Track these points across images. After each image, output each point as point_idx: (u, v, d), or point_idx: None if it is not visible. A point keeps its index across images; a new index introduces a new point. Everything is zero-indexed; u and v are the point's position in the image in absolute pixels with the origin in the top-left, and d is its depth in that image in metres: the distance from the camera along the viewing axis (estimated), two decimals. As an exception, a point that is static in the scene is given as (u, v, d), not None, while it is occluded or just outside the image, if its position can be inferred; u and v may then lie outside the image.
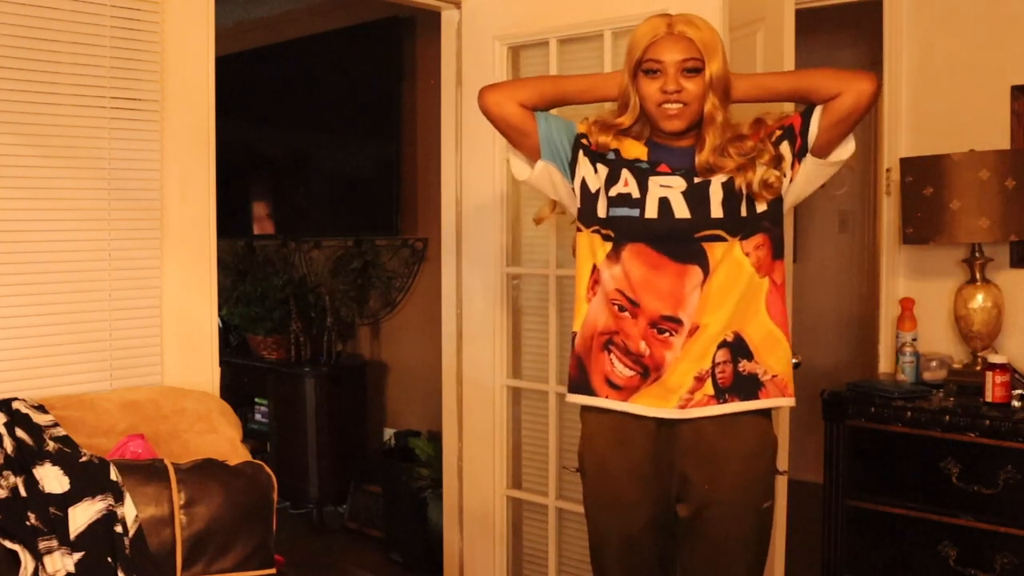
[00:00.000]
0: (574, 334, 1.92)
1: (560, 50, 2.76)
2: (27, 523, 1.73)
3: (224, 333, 4.50)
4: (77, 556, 1.76)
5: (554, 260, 2.80)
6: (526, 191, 2.94)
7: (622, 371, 1.83)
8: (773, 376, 1.83)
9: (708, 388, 1.79)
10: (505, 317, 2.94)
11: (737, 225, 1.78)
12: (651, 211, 1.79)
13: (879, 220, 3.16)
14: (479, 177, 2.96)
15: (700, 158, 1.79)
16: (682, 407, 1.80)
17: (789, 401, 1.86)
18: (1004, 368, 2.49)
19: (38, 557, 1.72)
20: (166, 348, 2.39)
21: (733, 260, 1.78)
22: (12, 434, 1.86)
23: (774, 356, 1.83)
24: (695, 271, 1.78)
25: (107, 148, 2.26)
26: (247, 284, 4.71)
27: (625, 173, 1.84)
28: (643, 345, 1.80)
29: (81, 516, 1.80)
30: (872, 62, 3.45)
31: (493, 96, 1.88)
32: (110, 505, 1.83)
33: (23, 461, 1.82)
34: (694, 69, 1.75)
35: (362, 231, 4.52)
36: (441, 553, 3.23)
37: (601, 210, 1.84)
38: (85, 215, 2.24)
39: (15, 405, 1.96)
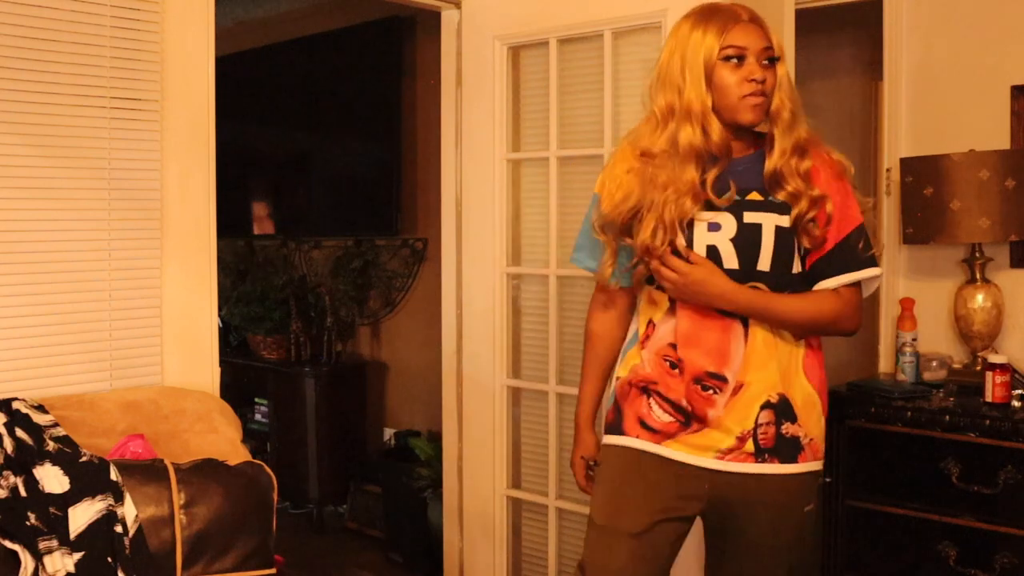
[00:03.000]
0: (617, 379, 1.88)
1: (560, 50, 2.76)
2: (27, 523, 1.73)
3: (224, 333, 4.50)
4: (77, 556, 1.76)
5: (554, 260, 2.80)
6: (526, 191, 2.94)
7: (660, 415, 1.78)
8: (811, 439, 1.79)
9: (748, 447, 1.74)
10: (505, 317, 2.94)
11: (783, 282, 1.74)
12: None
13: (879, 220, 3.15)
14: (479, 177, 2.96)
15: (769, 164, 1.71)
16: (719, 458, 1.75)
17: (819, 465, 1.83)
18: (1004, 368, 2.49)
19: (38, 557, 1.72)
20: (166, 348, 2.39)
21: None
22: (12, 434, 1.86)
23: (813, 419, 1.79)
24: (736, 326, 1.73)
25: (107, 148, 2.26)
26: (247, 284, 4.71)
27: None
28: (685, 402, 1.76)
29: (81, 516, 1.80)
30: (872, 62, 3.45)
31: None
32: (110, 505, 1.83)
33: (23, 461, 1.82)
34: (772, 59, 1.69)
35: (362, 231, 4.52)
36: (441, 553, 3.23)
37: None
38: (85, 215, 2.24)
39: (15, 405, 1.96)
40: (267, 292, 4.56)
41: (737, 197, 1.72)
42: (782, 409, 1.74)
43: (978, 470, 2.41)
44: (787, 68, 1.72)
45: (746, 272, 1.72)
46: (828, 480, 2.71)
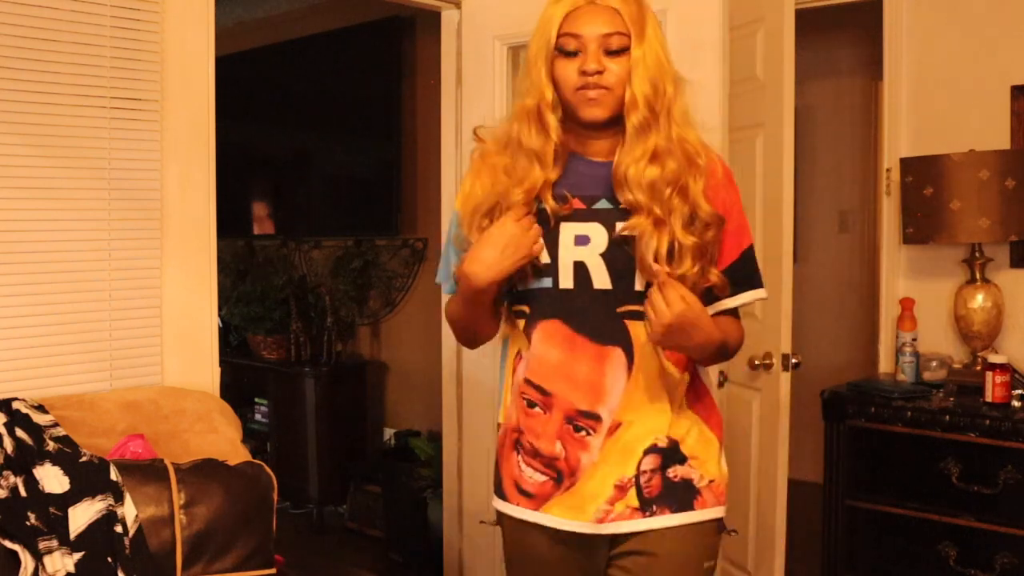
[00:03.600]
0: (498, 426, 1.63)
1: (560, 50, 2.75)
2: (27, 523, 1.73)
3: (224, 333, 4.50)
4: (77, 556, 1.76)
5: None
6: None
7: (531, 475, 1.53)
8: (710, 481, 1.53)
9: (631, 499, 1.49)
10: (505, 317, 2.93)
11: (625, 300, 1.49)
12: (566, 280, 1.48)
13: (879, 220, 3.16)
14: (479, 177, 2.95)
15: (617, 165, 1.46)
16: (600, 520, 1.49)
17: (721, 511, 1.55)
18: (1004, 368, 2.49)
19: (38, 557, 1.72)
20: (166, 348, 2.39)
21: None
22: (12, 434, 1.86)
23: (709, 457, 1.54)
24: (617, 355, 1.47)
25: (107, 148, 2.26)
26: (247, 284, 4.71)
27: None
28: (558, 446, 1.50)
29: (81, 516, 1.80)
30: (872, 62, 3.45)
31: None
32: (110, 505, 1.83)
33: (23, 461, 1.82)
34: (620, 49, 1.44)
35: (362, 231, 4.52)
36: (441, 553, 3.23)
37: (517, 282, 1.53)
38: (85, 215, 2.24)
39: (15, 405, 1.95)
40: (267, 292, 4.56)
41: (605, 205, 1.49)
42: (670, 452, 1.50)
43: (978, 470, 2.41)
44: (658, 54, 1.45)
45: (621, 292, 1.47)
46: (827, 480, 2.71)
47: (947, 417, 2.47)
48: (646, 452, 1.49)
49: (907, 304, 2.86)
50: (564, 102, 1.47)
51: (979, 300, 2.77)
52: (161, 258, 2.37)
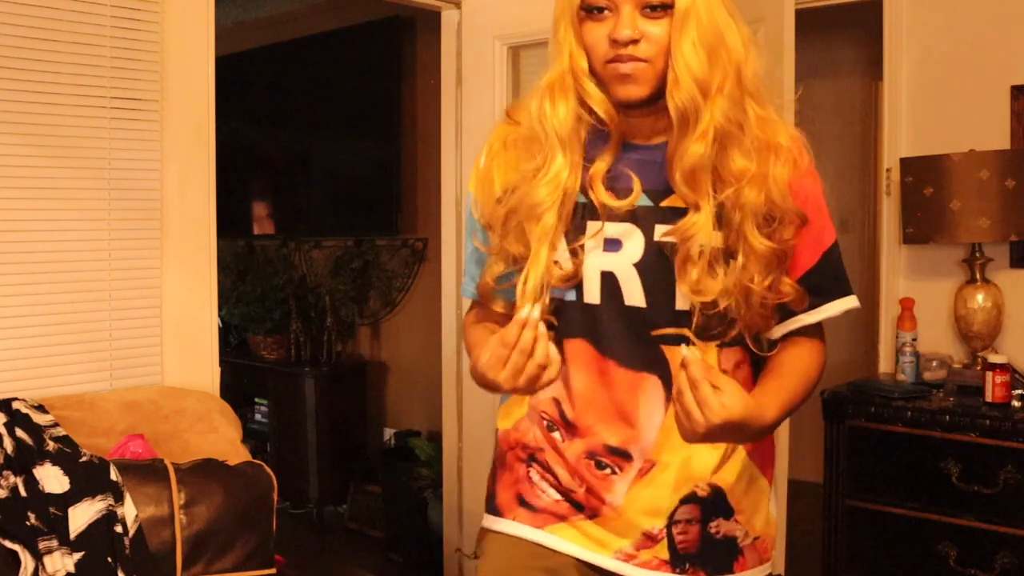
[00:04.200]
0: (497, 431, 1.40)
1: (560, 50, 2.76)
2: (27, 523, 1.73)
3: (224, 333, 4.50)
4: (77, 556, 1.76)
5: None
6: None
7: (545, 491, 1.29)
8: (756, 539, 1.32)
9: (661, 551, 1.26)
10: (505, 317, 2.93)
11: (713, 323, 1.22)
12: (591, 293, 1.23)
13: (879, 220, 3.16)
14: (479, 177, 2.95)
15: (671, 152, 1.19)
16: (623, 560, 1.27)
17: (766, 569, 1.34)
18: (1004, 368, 2.49)
19: (38, 557, 1.72)
20: (166, 348, 2.39)
21: None
22: (12, 434, 1.86)
23: (759, 510, 1.33)
24: (652, 384, 1.23)
25: (107, 148, 2.26)
26: (247, 284, 4.71)
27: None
28: (576, 481, 1.28)
29: (81, 516, 1.80)
30: (872, 62, 3.45)
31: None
32: (110, 505, 1.83)
33: (23, 461, 1.82)
34: (662, 5, 1.14)
35: (362, 231, 4.52)
36: (441, 553, 3.23)
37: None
38: (85, 215, 2.24)
39: (15, 405, 1.95)
40: (267, 292, 4.56)
41: (645, 202, 1.22)
42: (713, 503, 1.27)
43: (978, 470, 2.41)
44: (714, 5, 1.15)
45: (657, 310, 1.22)
46: (827, 480, 2.71)
47: (947, 417, 2.46)
48: (683, 501, 1.25)
49: (907, 304, 2.86)
50: (596, 75, 1.19)
51: (979, 300, 2.76)
52: (161, 258, 2.37)
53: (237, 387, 4.40)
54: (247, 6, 4.74)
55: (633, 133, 1.24)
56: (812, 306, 1.27)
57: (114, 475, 1.87)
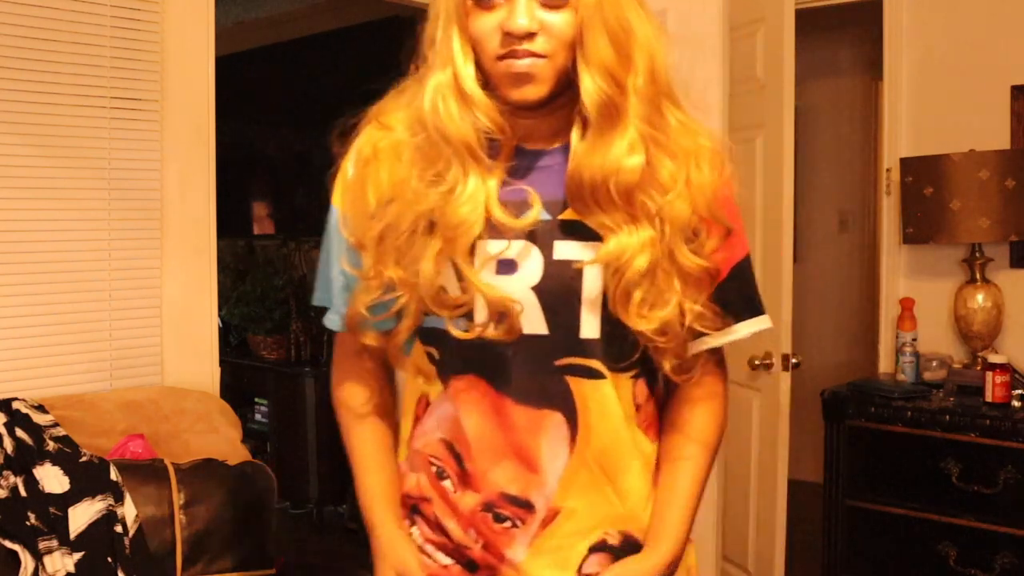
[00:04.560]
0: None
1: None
2: (27, 523, 1.73)
3: (224, 333, 4.49)
4: (77, 556, 1.76)
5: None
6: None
7: (433, 555, 1.14)
8: None
9: None
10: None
11: (626, 351, 1.07)
12: (482, 317, 1.05)
13: (879, 220, 3.16)
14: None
15: (578, 158, 1.02)
16: None
17: None
18: (1004, 368, 2.49)
19: (38, 557, 1.72)
20: (166, 348, 2.39)
21: (612, 407, 1.08)
22: (12, 434, 1.86)
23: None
24: (555, 422, 1.06)
25: (107, 148, 2.26)
26: (247, 284, 4.71)
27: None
28: (471, 535, 1.10)
29: (81, 516, 1.80)
30: (872, 62, 3.45)
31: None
32: (110, 505, 1.83)
33: (23, 461, 1.82)
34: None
35: (362, 231, 4.51)
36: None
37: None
38: (85, 215, 2.24)
39: (15, 405, 1.95)
40: (267, 292, 4.55)
41: (542, 216, 1.05)
42: (625, 551, 1.11)
43: (978, 470, 2.41)
44: (622, 6, 1.00)
45: (560, 338, 1.05)
46: (827, 480, 2.71)
47: (947, 417, 2.46)
48: (592, 550, 1.09)
49: (907, 304, 2.86)
50: (485, 73, 1.03)
51: (979, 300, 2.76)
52: (161, 258, 2.37)
53: (237, 387, 4.40)
54: (247, 6, 4.74)
55: (525, 137, 1.07)
56: (721, 325, 1.09)
57: (114, 475, 1.87)
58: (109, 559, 1.78)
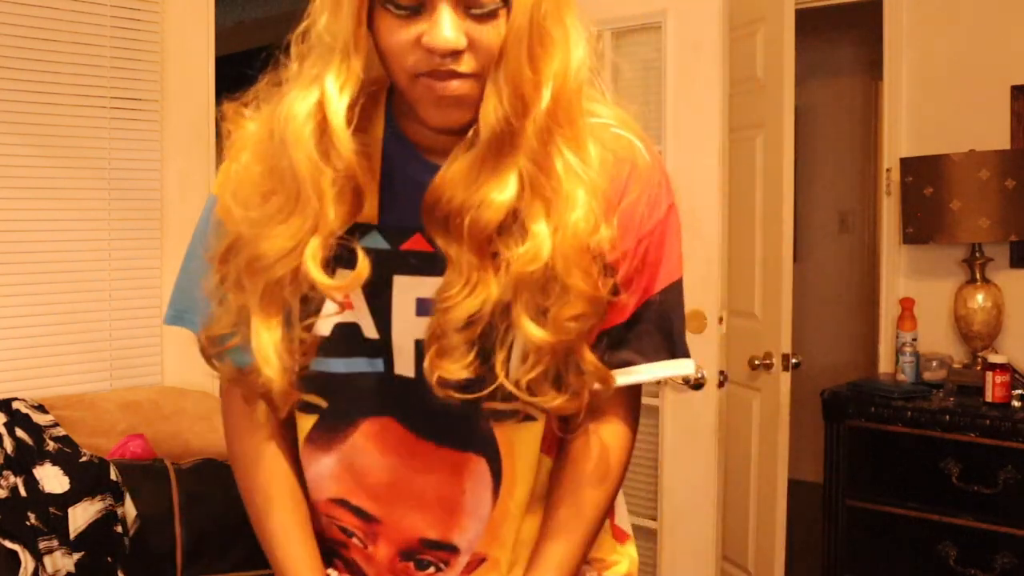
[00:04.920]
0: None
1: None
2: (27, 523, 1.73)
3: (224, 333, 4.49)
4: (77, 556, 1.76)
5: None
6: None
7: None
8: None
9: None
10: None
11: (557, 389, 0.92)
12: (404, 364, 0.93)
13: (879, 220, 3.16)
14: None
15: (435, 180, 0.87)
16: None
17: None
18: (1004, 368, 2.49)
19: (38, 557, 1.72)
20: (166, 348, 2.39)
21: (535, 448, 0.97)
22: (12, 434, 1.86)
23: (618, 555, 1.09)
24: (478, 467, 0.96)
25: (107, 148, 2.26)
26: (247, 284, 4.71)
27: (341, 272, 0.90)
28: None
29: (81, 516, 1.80)
30: (872, 62, 3.45)
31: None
32: (110, 505, 1.83)
33: (23, 461, 1.82)
34: (486, 9, 0.82)
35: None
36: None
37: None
38: (85, 215, 2.24)
39: (15, 405, 1.96)
40: (267, 292, 4.55)
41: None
42: None
43: (978, 470, 2.41)
44: (553, 16, 0.85)
45: (486, 380, 0.89)
46: (827, 480, 2.71)
47: (947, 417, 2.46)
48: None
49: (907, 304, 2.86)
50: (393, 80, 0.87)
51: (979, 300, 2.76)
52: (161, 258, 2.37)
53: (237, 387, 4.39)
54: (247, 6, 4.74)
55: (431, 148, 0.92)
56: (625, 362, 0.95)
57: (114, 475, 1.87)
58: (109, 559, 1.78)
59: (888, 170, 3.01)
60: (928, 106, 2.95)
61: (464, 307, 0.86)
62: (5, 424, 1.87)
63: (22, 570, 1.69)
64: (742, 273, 2.54)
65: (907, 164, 2.85)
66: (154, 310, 2.36)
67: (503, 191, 0.85)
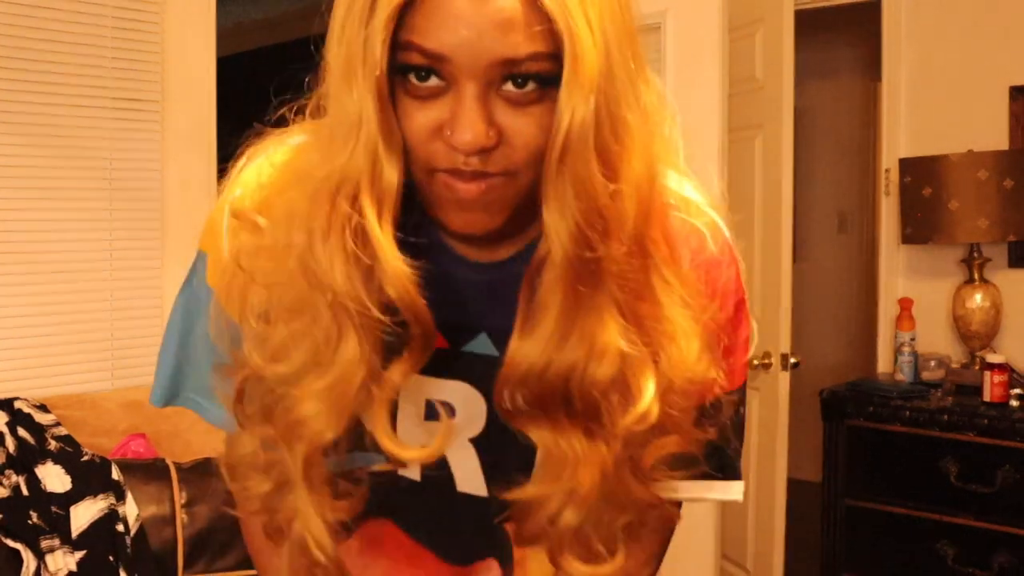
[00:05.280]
0: None
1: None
2: (29, 522, 1.74)
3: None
4: (79, 555, 1.76)
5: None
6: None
7: None
8: None
9: None
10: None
11: None
12: (409, 468, 0.79)
13: (878, 220, 3.17)
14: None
15: (510, 353, 0.68)
16: None
17: None
18: (1002, 368, 2.50)
19: (40, 556, 1.72)
20: (167, 348, 2.39)
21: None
22: (14, 433, 1.86)
23: None
24: (488, 568, 0.84)
25: (108, 148, 2.27)
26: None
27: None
28: None
29: (83, 515, 1.80)
30: (871, 63, 3.46)
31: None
32: (112, 504, 1.83)
33: (25, 460, 1.83)
34: (539, 76, 0.62)
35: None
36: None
37: None
38: (86, 215, 2.25)
39: (17, 405, 1.96)
40: (267, 292, 4.56)
41: (485, 349, 0.75)
42: None
43: (976, 469, 2.42)
44: (625, 92, 0.64)
45: (501, 502, 0.74)
46: (826, 479, 2.72)
47: (945, 416, 2.47)
48: None
49: (906, 304, 2.87)
50: (411, 173, 0.66)
51: (977, 300, 2.77)
52: (162, 258, 2.38)
53: (237, 387, 4.40)
54: (248, 7, 4.75)
55: (462, 246, 0.74)
56: (696, 475, 0.76)
57: (116, 474, 1.88)
58: (111, 558, 1.78)
59: (887, 170, 3.01)
60: (927, 107, 2.95)
61: (575, 502, 0.69)
62: (7, 423, 1.88)
63: (24, 569, 1.69)
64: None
65: (906, 164, 2.86)
66: (155, 310, 2.37)
67: (608, 332, 0.65)
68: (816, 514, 2.78)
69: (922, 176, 2.80)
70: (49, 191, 2.19)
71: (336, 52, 0.69)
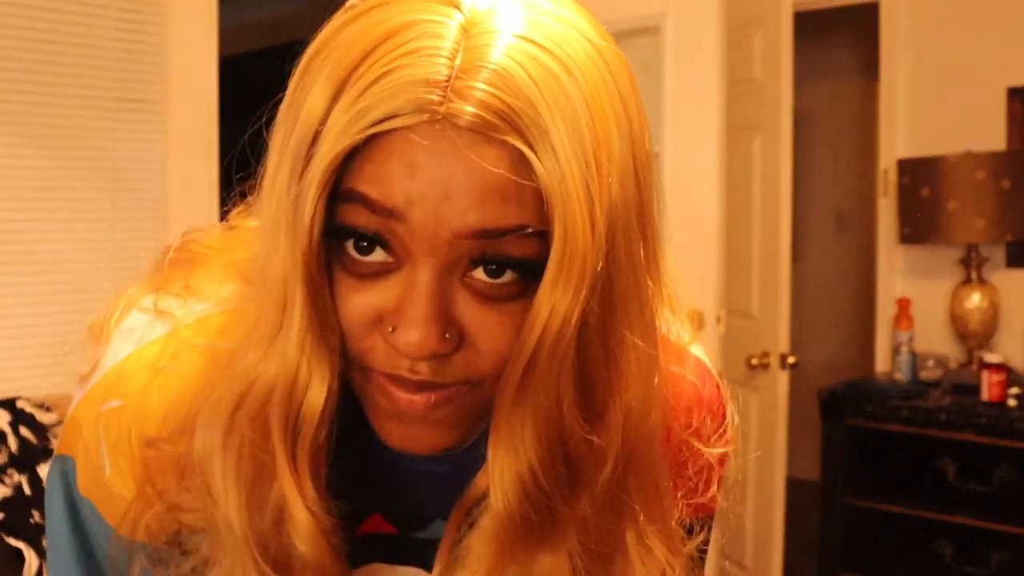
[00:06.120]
0: None
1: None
2: (31, 521, 1.75)
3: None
4: (82, 553, 1.77)
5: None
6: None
7: None
8: None
9: None
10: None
11: None
12: None
13: (876, 220, 3.18)
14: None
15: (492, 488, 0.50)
16: None
17: None
18: (1000, 367, 2.51)
19: (42, 555, 1.73)
20: (168, 347, 2.40)
21: None
22: (16, 433, 1.87)
23: None
24: None
25: (110, 149, 2.28)
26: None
27: None
28: None
29: (85, 514, 1.81)
30: (869, 64, 3.47)
31: None
32: (114, 503, 1.84)
33: (27, 459, 1.84)
34: (522, 264, 0.46)
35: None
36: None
37: None
38: (88, 215, 2.25)
39: (19, 404, 1.97)
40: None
41: (436, 534, 0.59)
42: None
43: (974, 468, 2.43)
44: (626, 258, 0.48)
45: None
46: (825, 479, 2.73)
47: (943, 416, 2.48)
48: None
49: (904, 304, 2.88)
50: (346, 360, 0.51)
51: (975, 300, 2.78)
52: (163, 258, 2.39)
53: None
54: (250, 8, 4.76)
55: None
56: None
57: (118, 473, 1.88)
58: (113, 556, 1.79)
59: (885, 171, 3.02)
60: (925, 107, 2.96)
61: None
62: (9, 423, 1.89)
63: (26, 567, 1.70)
64: (740, 273, 2.56)
65: (904, 165, 2.87)
66: (156, 310, 2.38)
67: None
68: (815, 513, 2.79)
69: (920, 176, 2.81)
70: (51, 191, 2.19)
71: (266, 202, 0.50)
